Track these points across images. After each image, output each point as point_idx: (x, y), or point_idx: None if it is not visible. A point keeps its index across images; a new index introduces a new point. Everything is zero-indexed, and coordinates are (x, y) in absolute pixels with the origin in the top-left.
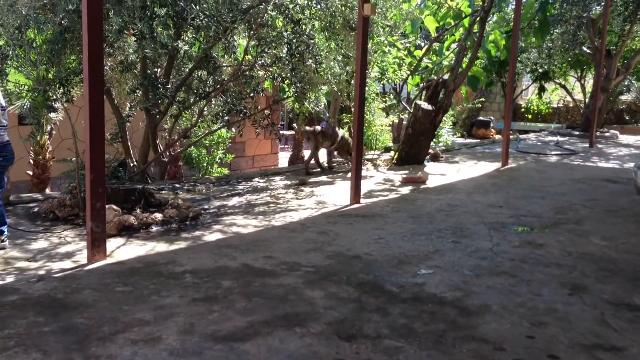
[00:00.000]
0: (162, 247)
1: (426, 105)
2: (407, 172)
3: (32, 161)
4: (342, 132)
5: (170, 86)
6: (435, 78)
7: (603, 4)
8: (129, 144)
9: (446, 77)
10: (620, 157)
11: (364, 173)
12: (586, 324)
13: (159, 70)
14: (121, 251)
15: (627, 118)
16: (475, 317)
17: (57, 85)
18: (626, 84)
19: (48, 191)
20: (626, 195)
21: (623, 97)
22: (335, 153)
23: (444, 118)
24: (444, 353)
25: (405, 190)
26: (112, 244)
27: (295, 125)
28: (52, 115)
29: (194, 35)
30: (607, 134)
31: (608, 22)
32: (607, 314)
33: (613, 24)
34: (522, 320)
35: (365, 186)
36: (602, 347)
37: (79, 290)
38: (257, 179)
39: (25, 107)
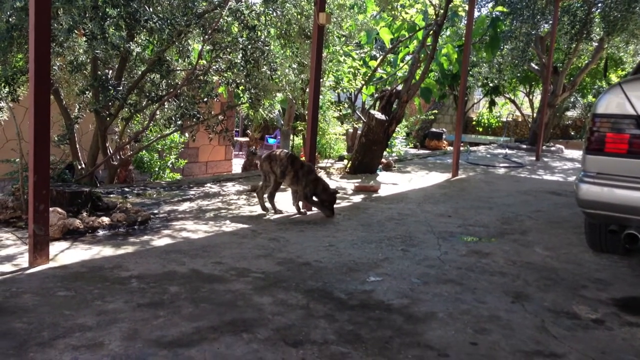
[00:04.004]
0: (107, 251)
1: (379, 115)
2: (359, 180)
3: None
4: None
5: (121, 88)
6: (389, 88)
7: (551, 22)
8: (77, 146)
9: (400, 88)
10: (564, 171)
11: None
12: (527, 331)
13: (110, 71)
14: (65, 255)
15: (572, 133)
16: (421, 324)
17: (3, 84)
18: (572, 100)
19: None
20: (569, 207)
21: (569, 113)
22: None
23: (398, 128)
24: (389, 359)
25: (357, 198)
26: (55, 247)
27: (249, 131)
28: None
29: (147, 38)
30: (552, 148)
31: (555, 40)
32: (547, 322)
33: (560, 41)
34: (466, 327)
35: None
36: (542, 354)
37: (18, 294)
38: (209, 184)
39: None
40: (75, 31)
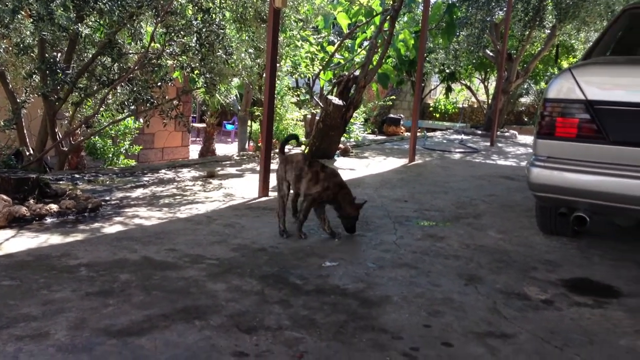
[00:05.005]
0: (55, 239)
1: (337, 100)
2: None
3: None
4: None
5: (70, 71)
6: (347, 74)
7: (505, 9)
8: (25, 132)
9: (357, 73)
10: (517, 156)
11: (273, 166)
12: (479, 312)
13: (59, 54)
14: (10, 243)
15: (526, 119)
16: (376, 308)
17: None
18: (525, 86)
19: None
20: (521, 192)
21: (522, 99)
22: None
23: (355, 114)
24: (344, 343)
25: None
26: (0, 235)
27: (206, 117)
28: None
29: (97, 20)
30: (506, 134)
31: (509, 27)
32: (498, 303)
33: (514, 28)
34: (420, 310)
35: (274, 179)
36: (493, 334)
37: None
38: (163, 171)
39: None
40: (22, 12)
